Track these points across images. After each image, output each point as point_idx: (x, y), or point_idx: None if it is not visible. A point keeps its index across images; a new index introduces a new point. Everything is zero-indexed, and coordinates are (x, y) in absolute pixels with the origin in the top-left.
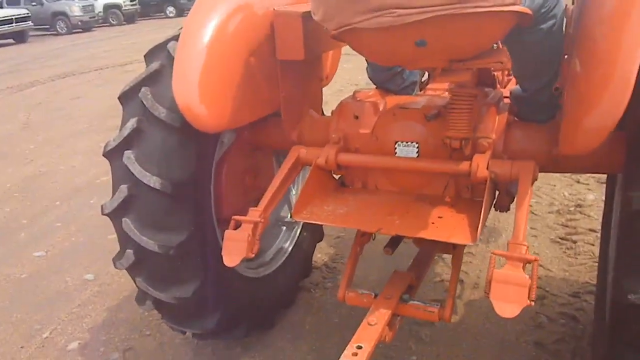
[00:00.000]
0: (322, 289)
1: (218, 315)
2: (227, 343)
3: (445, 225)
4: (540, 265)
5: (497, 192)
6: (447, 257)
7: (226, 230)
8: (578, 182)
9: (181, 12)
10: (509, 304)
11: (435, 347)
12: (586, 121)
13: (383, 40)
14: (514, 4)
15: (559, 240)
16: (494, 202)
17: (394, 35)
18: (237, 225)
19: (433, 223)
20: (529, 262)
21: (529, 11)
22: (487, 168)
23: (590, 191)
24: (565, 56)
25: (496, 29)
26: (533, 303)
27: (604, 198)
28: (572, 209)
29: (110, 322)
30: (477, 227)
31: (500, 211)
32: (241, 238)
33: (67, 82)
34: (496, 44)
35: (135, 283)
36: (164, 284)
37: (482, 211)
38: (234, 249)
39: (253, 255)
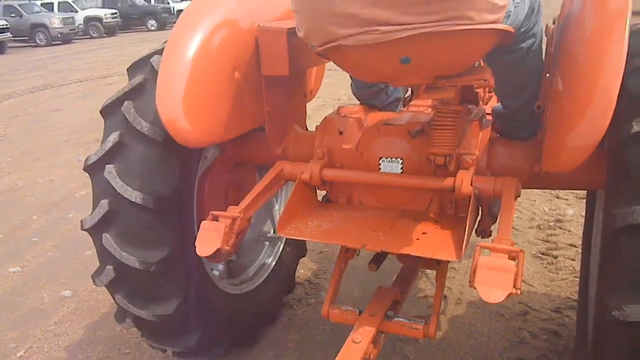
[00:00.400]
0: (305, 305)
1: (199, 332)
2: None
3: (430, 241)
4: (522, 281)
5: (480, 212)
6: (430, 272)
7: (203, 221)
8: (557, 197)
9: (162, 25)
10: (494, 289)
11: None
12: (569, 139)
13: (368, 57)
14: (495, 22)
15: (540, 255)
16: (476, 227)
17: (379, 52)
18: (215, 219)
19: (418, 239)
20: (515, 253)
21: (510, 29)
22: (471, 184)
23: (570, 206)
24: (547, 74)
25: (479, 47)
26: (519, 292)
27: (583, 213)
28: (552, 224)
29: (87, 340)
30: (462, 243)
31: (482, 237)
32: (217, 229)
33: (46, 94)
34: (479, 61)
35: (115, 300)
36: (144, 301)
37: (467, 227)
38: (209, 238)
39: (228, 248)
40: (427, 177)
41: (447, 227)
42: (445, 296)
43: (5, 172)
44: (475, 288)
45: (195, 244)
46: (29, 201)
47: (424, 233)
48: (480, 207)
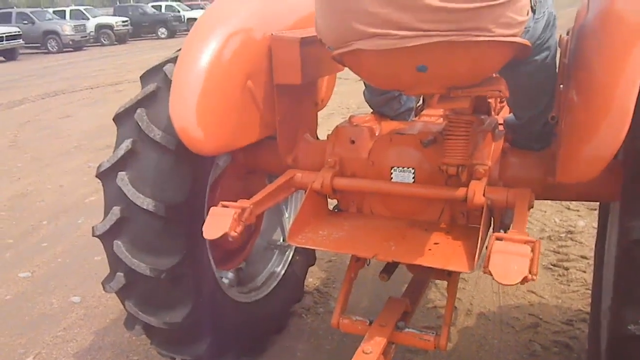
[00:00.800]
0: (314, 314)
1: (209, 340)
2: None
3: (442, 252)
4: (533, 292)
5: (492, 223)
6: (440, 282)
7: (212, 207)
8: (568, 208)
9: (173, 33)
10: (509, 271)
11: None
12: (584, 150)
13: (384, 64)
14: (514, 35)
15: (551, 267)
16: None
17: (395, 59)
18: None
19: (430, 250)
20: (531, 243)
21: (528, 43)
22: (484, 195)
23: (581, 218)
24: (561, 85)
25: (496, 59)
26: (535, 278)
27: (594, 225)
28: (563, 235)
29: (96, 347)
30: (474, 254)
31: None
32: (226, 214)
33: (57, 101)
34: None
35: (125, 307)
36: (154, 309)
37: (479, 238)
38: (216, 223)
39: (235, 234)
40: (439, 187)
41: (459, 238)
42: (456, 307)
43: (16, 177)
44: (489, 272)
45: (203, 228)
46: (39, 206)
47: (435, 243)
48: (492, 218)
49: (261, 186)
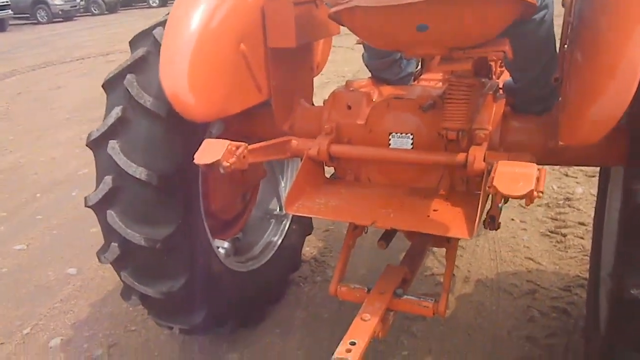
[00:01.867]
0: (312, 283)
1: (205, 310)
2: (214, 339)
3: (441, 219)
4: (530, 259)
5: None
6: (438, 250)
7: (206, 139)
8: (566, 175)
9: (165, 1)
10: (515, 183)
11: (426, 342)
12: (590, 111)
13: (383, 22)
14: None
15: (549, 233)
16: (484, 220)
17: (394, 16)
18: None
19: (428, 216)
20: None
21: (535, 2)
22: (484, 160)
23: (579, 184)
24: (565, 45)
25: (502, 18)
26: (541, 195)
27: (592, 191)
28: (561, 202)
29: (93, 318)
30: (474, 220)
31: (490, 228)
32: (220, 144)
33: (48, 72)
34: None
35: (120, 277)
36: (150, 279)
37: (479, 204)
38: (209, 151)
39: (228, 165)
40: (438, 153)
41: (458, 205)
42: (453, 275)
43: (8, 150)
44: (494, 189)
45: (194, 155)
46: (32, 179)
47: (435, 210)
48: None
49: None
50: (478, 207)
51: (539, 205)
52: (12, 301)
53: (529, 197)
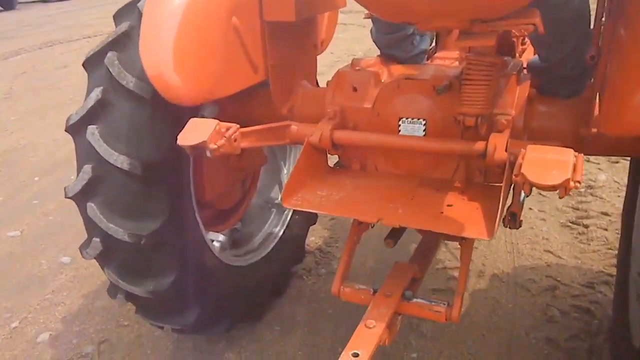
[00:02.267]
0: (316, 276)
1: (198, 309)
2: (210, 337)
3: (457, 216)
4: (550, 252)
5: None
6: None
7: (192, 118)
8: (588, 160)
9: None
10: (548, 171)
11: (437, 344)
12: (637, 97)
13: None
14: None
15: (570, 224)
16: (503, 217)
17: None
18: None
19: (442, 213)
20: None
21: None
22: (506, 150)
23: (602, 171)
24: (603, 19)
25: None
26: (578, 186)
27: (616, 179)
28: (582, 190)
29: (85, 311)
30: (494, 219)
31: (510, 227)
32: (207, 124)
33: (55, 51)
34: None
35: (105, 274)
36: (136, 277)
37: (501, 199)
38: (196, 130)
39: (215, 147)
40: (453, 141)
41: (475, 199)
42: None
43: (9, 131)
44: (522, 177)
45: (178, 136)
46: (32, 162)
47: (449, 205)
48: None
49: None
50: (499, 203)
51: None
52: (1, 291)
53: (564, 188)
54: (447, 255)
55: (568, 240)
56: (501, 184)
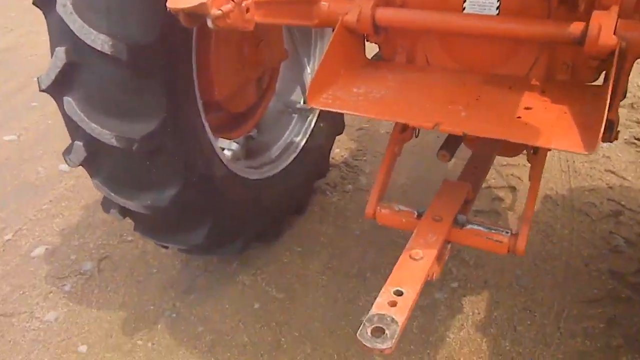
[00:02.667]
0: (341, 193)
1: (208, 227)
2: (223, 257)
3: (539, 122)
4: (612, 172)
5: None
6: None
7: None
8: None
9: None
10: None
11: (481, 272)
12: None
13: None
14: None
15: (635, 141)
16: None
17: None
18: None
19: (519, 117)
20: None
21: None
22: (614, 32)
23: None
24: None
25: None
26: (616, 140)
27: None
28: None
29: (85, 224)
30: (594, 125)
31: (603, 140)
32: None
33: None
34: None
35: (94, 186)
36: (130, 189)
37: (607, 100)
38: None
39: (220, 14)
40: (538, 22)
41: (561, 101)
42: (514, 188)
43: (8, 28)
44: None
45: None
46: (31, 61)
47: (527, 108)
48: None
49: (274, 29)
50: (604, 105)
51: (620, 106)
52: None
53: None
54: (490, 172)
55: (633, 159)
56: (591, 83)
